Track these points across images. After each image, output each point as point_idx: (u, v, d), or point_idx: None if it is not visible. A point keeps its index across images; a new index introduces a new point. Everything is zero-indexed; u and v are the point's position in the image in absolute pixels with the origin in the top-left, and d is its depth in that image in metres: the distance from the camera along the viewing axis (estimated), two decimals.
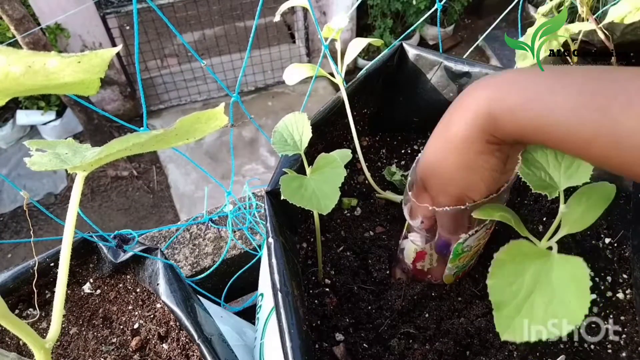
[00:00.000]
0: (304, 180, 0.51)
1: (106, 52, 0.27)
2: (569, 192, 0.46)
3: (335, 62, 0.69)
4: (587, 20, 0.76)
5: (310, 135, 0.55)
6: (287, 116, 0.57)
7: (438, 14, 0.79)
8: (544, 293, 0.37)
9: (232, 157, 0.79)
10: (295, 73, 0.67)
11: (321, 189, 0.50)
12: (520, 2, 0.92)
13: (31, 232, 0.56)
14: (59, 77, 0.26)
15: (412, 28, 0.94)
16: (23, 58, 0.24)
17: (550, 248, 0.41)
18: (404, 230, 0.61)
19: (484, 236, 0.57)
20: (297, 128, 0.56)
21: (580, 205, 0.43)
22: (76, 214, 0.35)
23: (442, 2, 0.77)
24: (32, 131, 3.54)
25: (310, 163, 0.54)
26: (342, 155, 0.56)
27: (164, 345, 0.57)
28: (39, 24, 2.72)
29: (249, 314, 0.84)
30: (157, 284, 0.57)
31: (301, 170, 0.55)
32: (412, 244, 0.59)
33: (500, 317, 0.37)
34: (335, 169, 0.51)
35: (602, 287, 0.60)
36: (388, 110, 0.79)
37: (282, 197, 0.49)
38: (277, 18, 0.71)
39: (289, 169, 0.54)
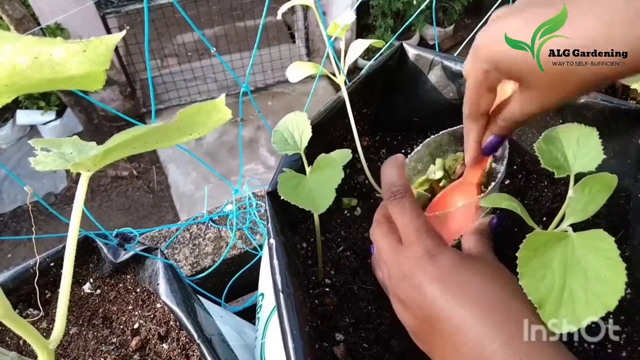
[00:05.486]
0: (302, 180, 0.51)
1: (111, 38, 0.26)
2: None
3: (338, 61, 0.70)
4: None
5: (310, 135, 0.55)
6: (288, 116, 0.57)
7: (433, 11, 0.79)
8: (577, 275, 0.36)
9: (241, 153, 0.79)
10: (298, 71, 0.68)
11: (318, 188, 0.50)
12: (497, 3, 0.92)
13: (33, 229, 0.56)
14: (65, 69, 0.25)
15: (407, 22, 0.94)
16: (29, 46, 0.24)
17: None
18: None
19: None
20: (298, 128, 0.56)
21: (583, 195, 0.43)
22: (81, 213, 0.35)
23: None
24: (32, 131, 3.54)
25: (311, 163, 0.54)
26: (342, 156, 0.57)
27: (164, 345, 0.57)
28: (39, 24, 2.72)
29: (249, 314, 0.84)
30: (157, 284, 0.57)
31: (301, 170, 0.55)
32: None
33: (546, 315, 0.35)
34: (334, 169, 0.51)
35: None
36: (388, 110, 0.79)
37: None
38: (278, 16, 0.71)
39: (289, 169, 0.54)
